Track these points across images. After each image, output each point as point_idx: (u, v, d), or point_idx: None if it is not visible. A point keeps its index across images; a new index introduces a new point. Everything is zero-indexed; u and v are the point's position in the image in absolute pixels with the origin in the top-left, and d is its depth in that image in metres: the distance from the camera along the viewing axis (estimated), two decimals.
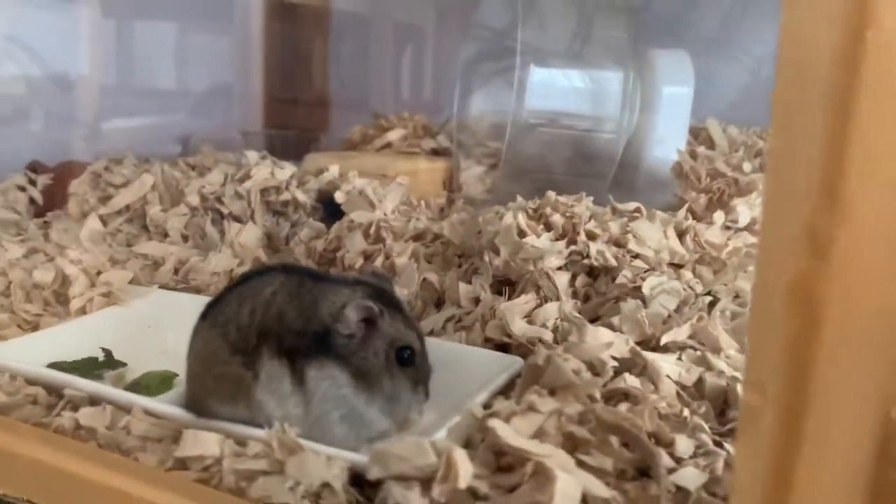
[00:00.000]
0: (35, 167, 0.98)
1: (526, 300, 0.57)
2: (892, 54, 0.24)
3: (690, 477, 0.40)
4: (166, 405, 0.45)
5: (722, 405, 0.47)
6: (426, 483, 0.36)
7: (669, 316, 0.53)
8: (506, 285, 0.61)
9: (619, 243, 0.61)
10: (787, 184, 0.26)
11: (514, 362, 0.51)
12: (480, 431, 0.40)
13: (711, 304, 0.55)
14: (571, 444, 0.40)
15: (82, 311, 0.62)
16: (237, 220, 0.81)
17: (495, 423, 0.38)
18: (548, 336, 0.53)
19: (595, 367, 0.47)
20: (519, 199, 0.69)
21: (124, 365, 0.56)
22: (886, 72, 0.24)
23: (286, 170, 0.87)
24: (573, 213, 0.64)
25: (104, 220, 0.82)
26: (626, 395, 0.46)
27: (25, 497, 0.46)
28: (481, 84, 1.07)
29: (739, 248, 0.64)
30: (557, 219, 0.63)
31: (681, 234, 0.65)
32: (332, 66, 1.62)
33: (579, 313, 0.57)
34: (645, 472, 0.40)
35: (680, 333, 0.50)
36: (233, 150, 1.00)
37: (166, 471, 0.42)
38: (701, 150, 0.83)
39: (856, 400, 0.26)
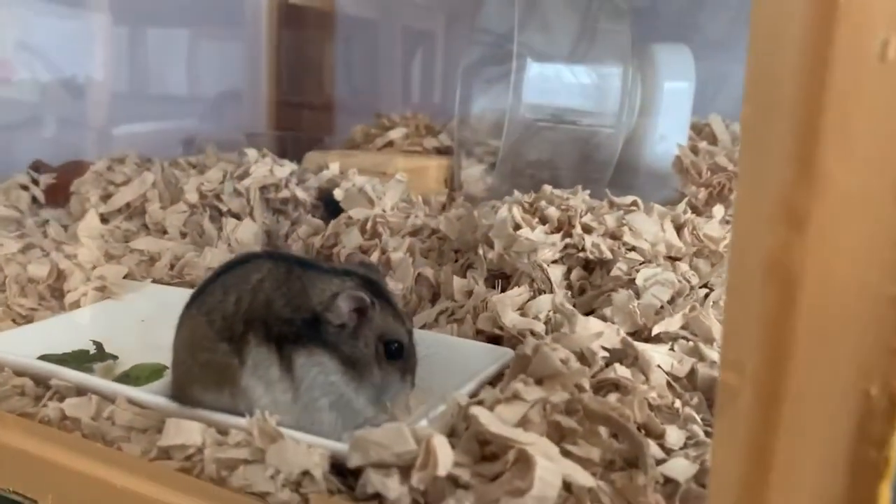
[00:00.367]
0: (38, 166, 0.98)
1: (519, 292, 0.56)
2: (866, 23, 0.23)
3: (680, 468, 0.39)
4: (149, 394, 0.45)
5: (714, 396, 0.46)
6: (405, 470, 0.36)
7: (662, 307, 0.52)
8: (500, 278, 0.60)
9: (614, 236, 0.61)
10: (761, 157, 0.25)
11: (504, 354, 0.50)
12: (464, 420, 0.39)
13: (707, 297, 0.54)
14: (559, 434, 0.40)
15: (77, 305, 0.62)
16: (236, 217, 0.81)
17: (477, 411, 0.38)
18: (539, 328, 0.52)
19: (585, 358, 0.47)
20: (516, 193, 0.69)
21: (115, 358, 0.55)
22: (860, 41, 0.23)
23: (285, 167, 0.87)
24: (568, 206, 0.63)
25: (105, 218, 0.82)
26: (616, 386, 0.45)
27: (11, 488, 0.46)
28: (484, 87, 1.06)
29: None
30: (553, 212, 0.63)
31: (679, 228, 0.64)
32: (339, 69, 1.62)
33: (574, 306, 0.56)
34: (634, 463, 0.39)
35: (672, 324, 0.50)
36: (237, 151, 1.01)
37: (150, 460, 0.42)
38: (703, 145, 0.82)
39: (834, 377, 0.25)
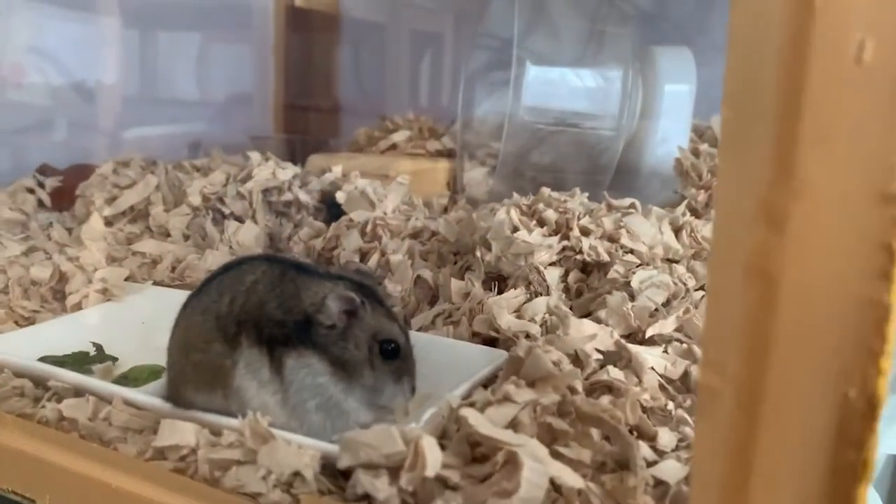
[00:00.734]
0: (44, 170, 0.99)
1: (515, 295, 0.56)
2: (843, 25, 0.23)
3: (671, 470, 0.39)
4: (145, 395, 0.45)
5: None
6: (394, 471, 0.36)
7: (657, 309, 0.52)
8: (498, 281, 0.60)
9: (612, 238, 0.61)
10: (740, 158, 0.26)
11: (499, 356, 0.50)
12: (455, 422, 0.39)
13: (703, 299, 0.54)
14: (550, 436, 0.40)
15: (78, 307, 0.63)
16: (238, 220, 0.81)
17: (468, 412, 0.38)
18: (535, 330, 0.52)
19: (579, 360, 0.47)
20: (514, 195, 0.69)
21: (115, 359, 0.56)
22: (837, 43, 0.24)
23: (288, 170, 0.87)
24: (566, 208, 0.63)
25: (110, 221, 0.83)
26: (609, 388, 0.45)
27: (10, 488, 0.46)
28: (488, 91, 1.07)
29: None
30: (550, 214, 0.63)
31: (677, 230, 0.64)
32: (345, 73, 1.63)
33: (571, 309, 0.56)
34: (625, 465, 0.39)
35: (666, 326, 0.50)
36: (241, 154, 1.01)
37: (145, 461, 0.42)
38: (704, 147, 0.82)
39: (813, 378, 0.25)
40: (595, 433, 0.40)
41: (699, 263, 0.59)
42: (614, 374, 0.45)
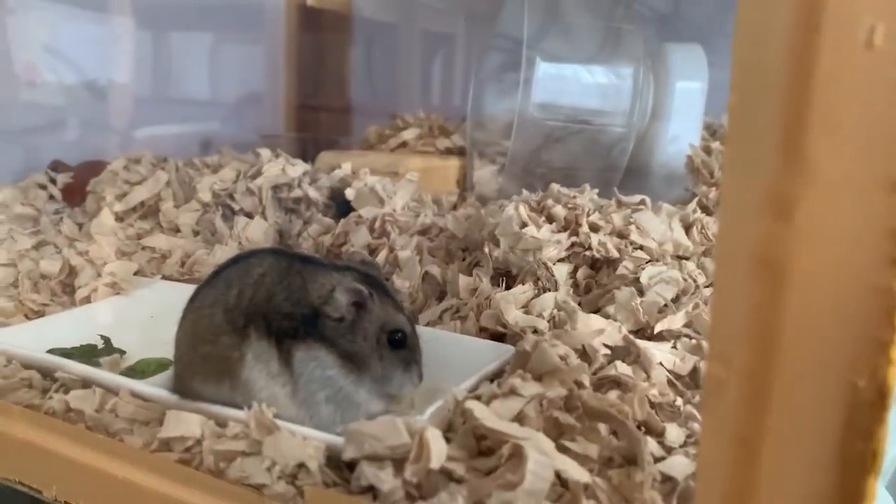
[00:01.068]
0: (56, 166, 1.00)
1: (523, 290, 0.56)
2: (853, 10, 0.23)
3: (678, 465, 0.39)
4: (151, 387, 0.45)
5: None
6: (399, 463, 0.36)
7: (666, 305, 0.52)
8: (506, 276, 0.60)
9: (622, 235, 0.60)
10: (748, 146, 0.25)
11: (506, 350, 0.50)
12: (461, 415, 0.39)
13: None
14: (556, 430, 0.40)
15: (87, 300, 0.63)
16: (248, 216, 0.82)
17: (473, 405, 0.37)
18: (542, 325, 0.52)
19: (587, 355, 0.46)
20: (524, 192, 0.68)
21: (123, 352, 0.56)
22: (847, 28, 0.23)
23: (298, 167, 0.88)
24: (576, 204, 0.63)
25: (120, 217, 0.83)
26: (617, 383, 0.45)
27: (17, 478, 0.46)
28: (500, 90, 1.06)
29: None
30: (559, 210, 0.63)
31: (687, 227, 0.63)
32: (357, 72, 1.63)
33: (579, 304, 0.56)
34: (633, 460, 0.39)
35: (675, 321, 0.49)
36: (251, 151, 1.02)
37: (151, 452, 0.42)
38: (716, 145, 0.82)
39: (821, 368, 0.25)
40: (602, 428, 0.40)
41: (709, 260, 0.59)
42: (622, 369, 0.45)
